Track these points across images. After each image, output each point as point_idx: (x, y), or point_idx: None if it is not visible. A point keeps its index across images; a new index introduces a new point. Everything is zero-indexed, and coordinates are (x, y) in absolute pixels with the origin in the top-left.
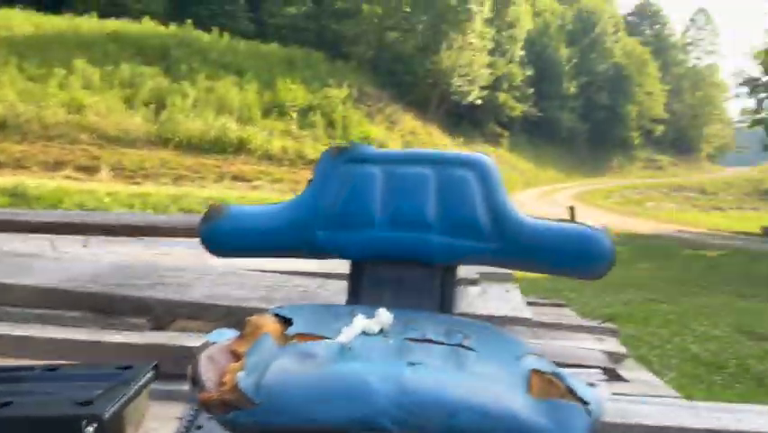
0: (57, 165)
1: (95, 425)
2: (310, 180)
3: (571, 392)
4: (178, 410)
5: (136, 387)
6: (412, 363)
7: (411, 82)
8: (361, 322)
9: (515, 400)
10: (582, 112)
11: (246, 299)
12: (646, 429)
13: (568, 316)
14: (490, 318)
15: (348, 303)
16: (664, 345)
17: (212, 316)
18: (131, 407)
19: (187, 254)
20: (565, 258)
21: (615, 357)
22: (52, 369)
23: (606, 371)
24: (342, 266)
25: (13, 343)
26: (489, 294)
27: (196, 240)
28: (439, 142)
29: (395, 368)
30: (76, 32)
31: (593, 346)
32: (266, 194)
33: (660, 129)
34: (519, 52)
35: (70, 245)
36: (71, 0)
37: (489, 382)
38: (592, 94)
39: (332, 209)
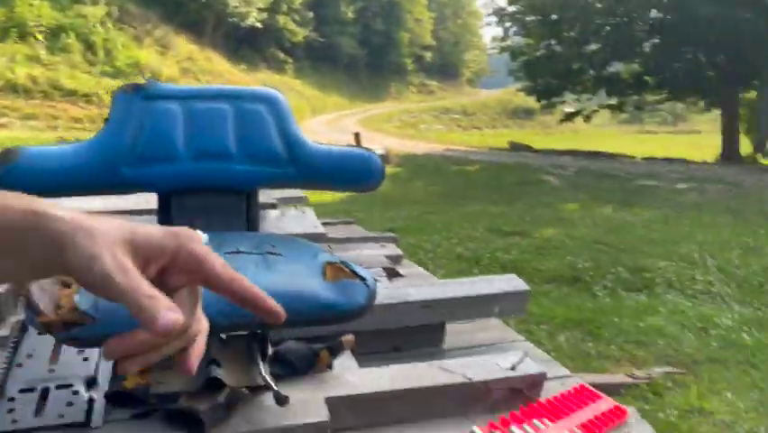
0: None
1: None
2: (106, 120)
3: (354, 274)
4: None
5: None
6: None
7: (181, 1)
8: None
9: (314, 285)
10: (361, 38)
11: None
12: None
13: (356, 231)
14: (291, 235)
15: None
16: (435, 249)
17: None
18: None
19: None
20: (346, 176)
21: (394, 259)
22: None
23: (386, 270)
24: (146, 202)
25: None
26: (287, 216)
27: None
28: (220, 68)
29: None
30: None
31: (377, 253)
32: (17, 132)
33: (429, 55)
34: None
35: None
36: None
37: (292, 276)
38: (368, 20)
39: (135, 146)
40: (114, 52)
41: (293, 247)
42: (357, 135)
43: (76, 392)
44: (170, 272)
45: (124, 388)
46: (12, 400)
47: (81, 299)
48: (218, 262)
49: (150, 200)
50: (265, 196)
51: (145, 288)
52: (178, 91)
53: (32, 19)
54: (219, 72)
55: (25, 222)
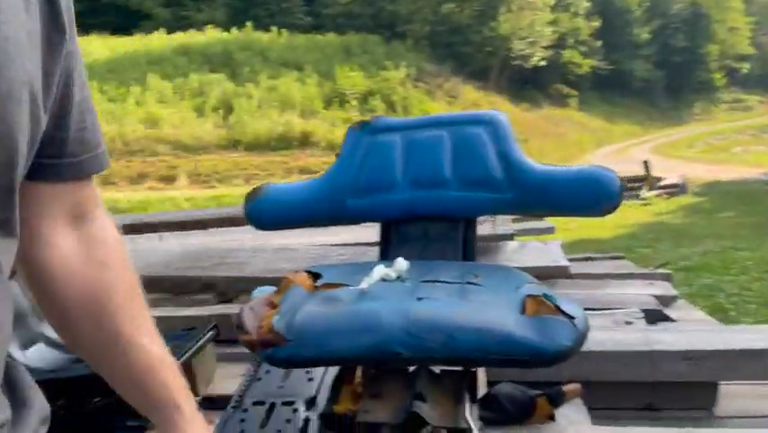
0: (140, 177)
1: None
2: (337, 155)
3: (558, 310)
4: (242, 369)
5: (198, 342)
6: (420, 299)
7: (470, 53)
8: (379, 271)
9: (506, 320)
10: (657, 59)
11: (295, 270)
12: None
13: (622, 267)
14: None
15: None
16: (742, 291)
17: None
18: (199, 363)
19: (247, 238)
20: (575, 200)
21: (663, 300)
22: None
23: (646, 311)
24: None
25: None
26: (527, 248)
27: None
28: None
29: (404, 303)
30: (147, 49)
31: (641, 292)
32: None
33: (746, 66)
34: (584, 4)
35: (148, 241)
36: (141, 20)
37: (485, 308)
38: (668, 38)
39: (358, 178)
40: (410, 107)
41: (498, 277)
42: (646, 163)
43: (296, 410)
44: None
45: (335, 412)
46: (245, 411)
47: (278, 320)
48: None
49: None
50: (504, 227)
51: None
52: (400, 123)
53: (349, 88)
54: None
55: (165, 406)
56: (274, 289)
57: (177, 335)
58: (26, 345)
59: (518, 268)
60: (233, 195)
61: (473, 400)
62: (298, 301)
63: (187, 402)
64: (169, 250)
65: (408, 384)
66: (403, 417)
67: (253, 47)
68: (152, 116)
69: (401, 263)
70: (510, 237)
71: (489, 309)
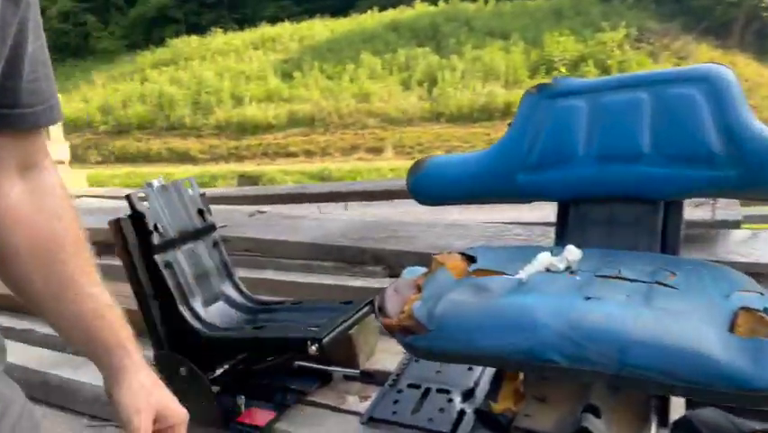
0: (352, 149)
1: (316, 345)
2: (509, 124)
3: None
4: None
5: (352, 317)
6: (589, 298)
7: (706, 6)
8: (544, 259)
9: (704, 337)
10: None
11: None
12: None
13: None
14: (756, 267)
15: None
16: None
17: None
18: (360, 336)
19: (424, 211)
20: None
21: None
22: (297, 303)
23: None
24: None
25: (285, 286)
26: (761, 240)
27: None
28: (746, 72)
29: (568, 301)
30: (361, 28)
31: None
32: None
33: None
34: None
35: (334, 209)
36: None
37: (677, 318)
38: None
39: (532, 150)
40: (628, 72)
41: (702, 279)
42: None
43: (450, 400)
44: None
45: (492, 410)
46: (400, 391)
47: (419, 307)
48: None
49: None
50: (727, 210)
51: None
52: (587, 85)
53: (558, 54)
54: (743, 76)
55: (114, 350)
56: (425, 270)
57: (335, 308)
58: (208, 302)
59: (744, 266)
60: None
61: (663, 423)
62: (443, 287)
63: (134, 348)
64: (349, 220)
65: (581, 392)
66: (570, 431)
67: (459, 17)
68: (364, 91)
69: (572, 252)
70: (736, 225)
71: (682, 321)
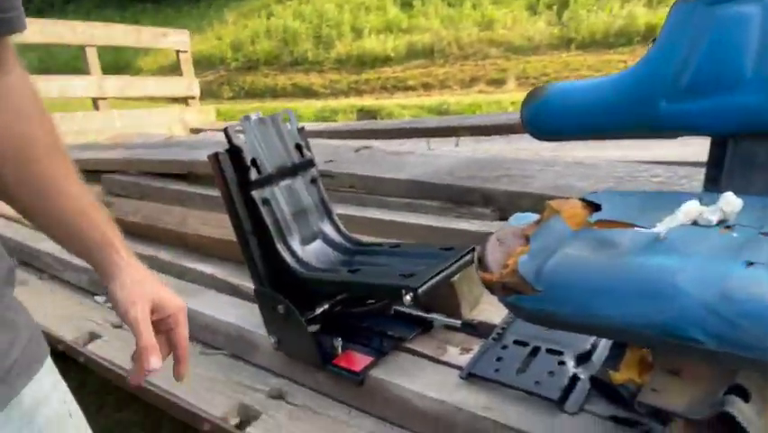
0: (471, 81)
1: (411, 294)
2: (653, 40)
3: None
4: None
5: (451, 266)
6: (751, 263)
7: None
8: (690, 209)
9: None
10: None
11: (589, 190)
12: None
13: None
14: None
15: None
16: None
17: None
18: (463, 284)
19: (544, 148)
20: None
21: None
22: (395, 246)
23: None
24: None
25: (386, 226)
26: None
27: None
28: None
29: (722, 266)
30: None
31: None
32: None
33: None
34: None
35: (444, 145)
36: None
37: None
38: None
39: (681, 72)
40: None
41: None
42: None
43: (562, 363)
44: (160, 321)
45: (612, 380)
46: (505, 348)
47: (526, 263)
48: (181, 329)
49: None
50: None
51: (151, 337)
52: None
53: None
54: None
55: (103, 247)
56: (536, 217)
57: (434, 253)
58: (306, 240)
59: None
60: None
61: None
62: (557, 240)
63: (122, 245)
64: (457, 156)
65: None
66: (707, 413)
67: None
68: (486, 18)
69: (729, 201)
70: None
71: None
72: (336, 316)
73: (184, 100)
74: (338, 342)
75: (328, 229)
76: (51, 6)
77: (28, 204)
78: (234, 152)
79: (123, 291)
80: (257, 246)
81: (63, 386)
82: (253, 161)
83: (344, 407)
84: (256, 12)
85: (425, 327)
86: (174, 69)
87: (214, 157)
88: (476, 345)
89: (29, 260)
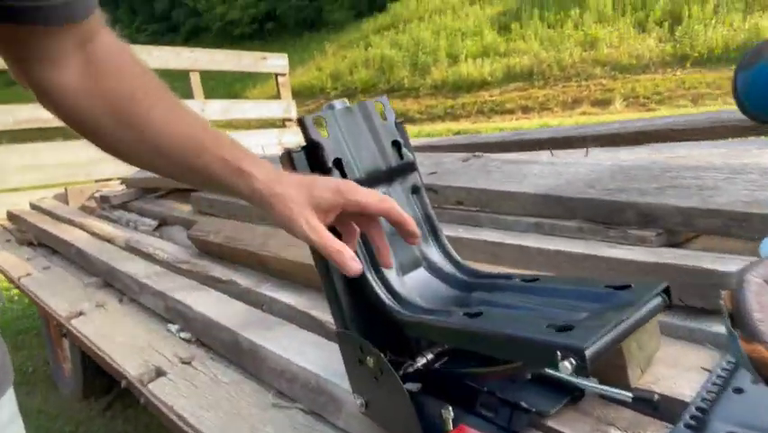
0: (574, 103)
1: (573, 360)
2: None
3: None
4: (701, 358)
5: (636, 316)
6: None
7: None
8: None
9: None
10: None
11: None
12: None
13: None
14: None
15: None
16: None
17: (752, 230)
18: (634, 340)
19: (713, 155)
20: None
21: None
22: (532, 280)
23: None
24: None
25: (508, 252)
26: None
27: (727, 141)
28: None
29: None
30: None
31: None
32: None
33: None
34: None
35: (569, 156)
36: None
37: None
38: None
39: None
40: None
41: None
42: None
43: None
44: (342, 215)
45: None
46: None
47: None
48: (372, 199)
49: None
50: None
51: (333, 243)
52: None
53: None
54: None
55: (234, 178)
56: None
57: (600, 293)
58: (405, 268)
59: None
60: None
61: None
62: None
63: (256, 166)
64: (596, 165)
65: None
66: None
67: None
68: (590, 38)
69: None
70: None
71: None
72: (445, 374)
73: (282, 123)
74: (448, 412)
75: (434, 254)
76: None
77: (143, 156)
78: (313, 148)
79: (279, 214)
80: (340, 276)
81: (20, 421)
82: (337, 162)
83: None
84: (355, 43)
85: (574, 396)
86: (277, 97)
87: (287, 156)
88: (651, 430)
89: (111, 281)
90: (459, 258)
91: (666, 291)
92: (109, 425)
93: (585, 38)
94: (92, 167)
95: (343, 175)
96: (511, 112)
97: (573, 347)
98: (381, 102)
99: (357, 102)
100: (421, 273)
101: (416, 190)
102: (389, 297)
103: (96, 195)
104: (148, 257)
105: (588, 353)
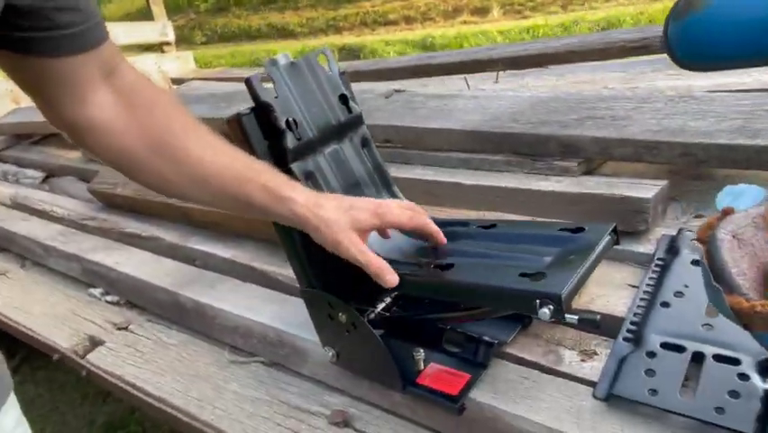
0: (455, 12)
1: (550, 307)
2: None
3: None
4: (627, 275)
5: (595, 256)
6: None
7: None
8: None
9: None
10: None
11: (711, 132)
12: None
13: None
14: None
15: None
16: None
17: (661, 156)
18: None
19: (616, 79)
20: None
21: None
22: (490, 226)
23: None
24: None
25: (442, 189)
26: None
27: (622, 62)
28: None
29: None
30: None
31: None
32: None
33: None
34: None
35: (483, 83)
36: None
37: None
38: None
39: None
40: None
41: None
42: None
43: (743, 376)
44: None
45: None
46: (652, 355)
47: None
48: (405, 218)
49: None
50: None
51: (375, 261)
52: None
53: None
54: None
55: (276, 204)
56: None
57: (558, 237)
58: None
59: None
60: (549, 24)
61: None
62: None
63: (295, 191)
64: (516, 98)
65: None
66: None
67: None
68: None
69: None
70: None
71: None
72: (416, 318)
73: (159, 47)
74: (419, 353)
75: None
76: None
77: (191, 194)
78: (263, 111)
79: (325, 236)
80: (300, 235)
81: (25, 423)
82: (289, 123)
83: None
84: None
85: (524, 323)
86: (142, 16)
87: (236, 121)
88: (597, 348)
89: (7, 245)
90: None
91: (614, 231)
92: (20, 390)
93: None
94: None
95: (297, 135)
96: (395, 23)
97: (551, 294)
98: (325, 53)
99: (301, 56)
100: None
101: (365, 143)
102: None
103: None
104: (43, 215)
105: (563, 298)
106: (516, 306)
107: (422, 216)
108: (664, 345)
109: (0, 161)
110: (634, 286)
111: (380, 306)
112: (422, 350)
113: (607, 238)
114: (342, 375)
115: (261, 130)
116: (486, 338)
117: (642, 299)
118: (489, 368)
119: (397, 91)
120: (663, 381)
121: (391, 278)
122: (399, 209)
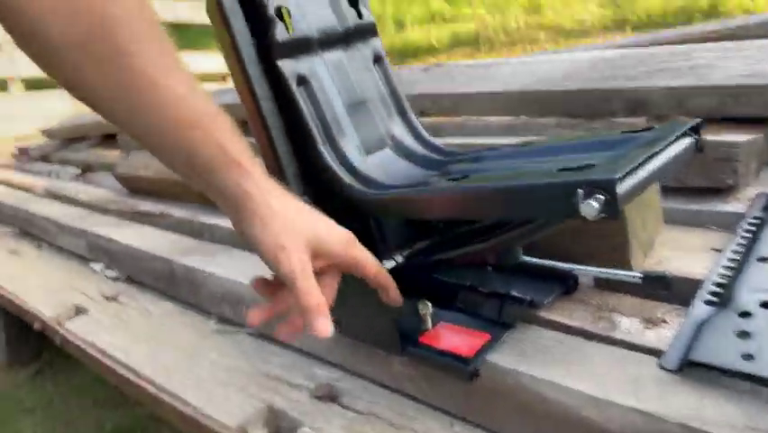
0: None
1: (600, 196)
2: None
3: None
4: (708, 239)
5: (669, 150)
6: None
7: None
8: None
9: None
10: None
11: None
12: None
13: None
14: None
15: None
16: None
17: (751, 106)
18: (635, 216)
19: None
20: None
21: None
22: (525, 144)
23: None
24: None
25: None
26: None
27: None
28: None
29: None
30: None
31: None
32: None
33: None
34: None
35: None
36: None
37: None
38: None
39: None
40: None
41: None
42: None
43: None
44: (331, 266)
45: None
46: (746, 315)
47: None
48: (369, 263)
49: None
50: None
51: (315, 295)
52: None
53: None
54: None
55: (225, 171)
56: None
57: (611, 140)
58: (368, 146)
59: None
60: None
61: None
62: None
63: (253, 165)
64: (574, 59)
65: None
66: None
67: None
68: (534, 3)
69: None
70: None
71: None
72: (420, 265)
73: None
74: (426, 307)
75: (401, 133)
76: None
77: (116, 108)
78: None
79: (265, 232)
80: (289, 153)
81: None
82: (280, 12)
83: (441, 416)
84: None
85: (569, 283)
86: None
87: (216, 3)
88: (667, 315)
89: (29, 228)
90: (430, 137)
91: (696, 130)
92: (37, 391)
93: (530, 3)
94: (7, 124)
95: (288, 26)
96: None
97: (600, 180)
98: None
99: None
100: (386, 155)
101: (378, 60)
102: (349, 174)
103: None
104: (69, 201)
105: (618, 183)
106: (550, 206)
107: (389, 279)
108: (765, 305)
109: (47, 162)
110: (717, 250)
111: (389, 263)
112: (429, 303)
113: (683, 134)
114: (336, 346)
115: (246, 16)
116: (515, 293)
117: (730, 259)
118: (517, 331)
119: (437, 65)
120: (763, 344)
121: (320, 324)
122: (371, 258)
